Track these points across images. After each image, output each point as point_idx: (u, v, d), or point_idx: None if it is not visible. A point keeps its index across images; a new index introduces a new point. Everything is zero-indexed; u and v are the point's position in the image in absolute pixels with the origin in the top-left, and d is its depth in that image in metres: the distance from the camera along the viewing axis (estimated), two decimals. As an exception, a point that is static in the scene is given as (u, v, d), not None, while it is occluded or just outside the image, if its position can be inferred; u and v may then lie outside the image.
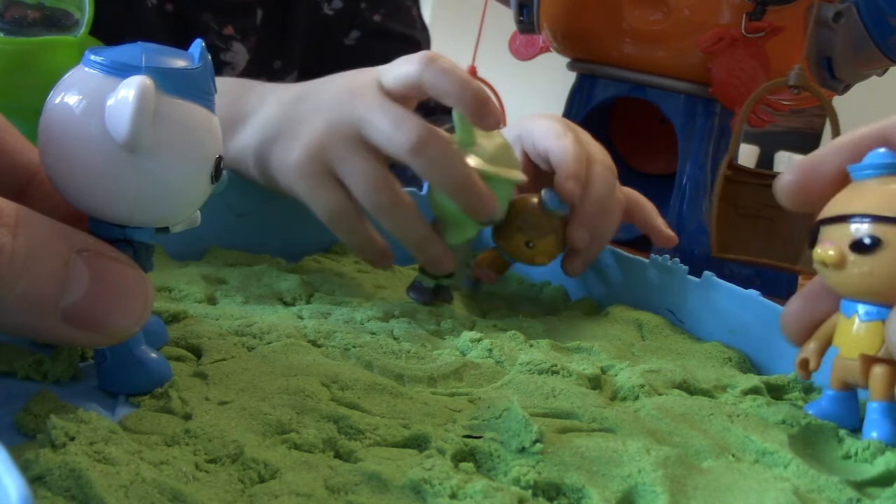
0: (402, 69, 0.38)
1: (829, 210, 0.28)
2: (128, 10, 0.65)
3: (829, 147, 0.29)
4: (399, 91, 0.38)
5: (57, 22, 0.37)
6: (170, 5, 0.68)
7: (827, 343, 0.30)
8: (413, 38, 0.81)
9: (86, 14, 0.35)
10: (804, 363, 0.30)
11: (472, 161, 0.38)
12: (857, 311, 0.28)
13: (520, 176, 0.40)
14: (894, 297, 0.27)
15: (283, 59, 0.77)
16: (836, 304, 0.29)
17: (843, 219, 0.27)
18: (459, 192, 0.37)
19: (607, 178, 0.44)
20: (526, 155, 0.48)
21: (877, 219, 0.26)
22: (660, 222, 0.48)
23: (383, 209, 0.38)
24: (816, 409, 0.30)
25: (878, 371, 0.27)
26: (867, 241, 0.26)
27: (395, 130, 0.36)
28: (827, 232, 0.28)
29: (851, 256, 0.26)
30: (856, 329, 0.28)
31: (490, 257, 0.44)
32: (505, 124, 0.39)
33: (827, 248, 0.27)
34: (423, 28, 0.84)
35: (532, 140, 0.47)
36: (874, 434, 0.27)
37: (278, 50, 0.76)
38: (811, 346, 0.30)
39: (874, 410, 0.27)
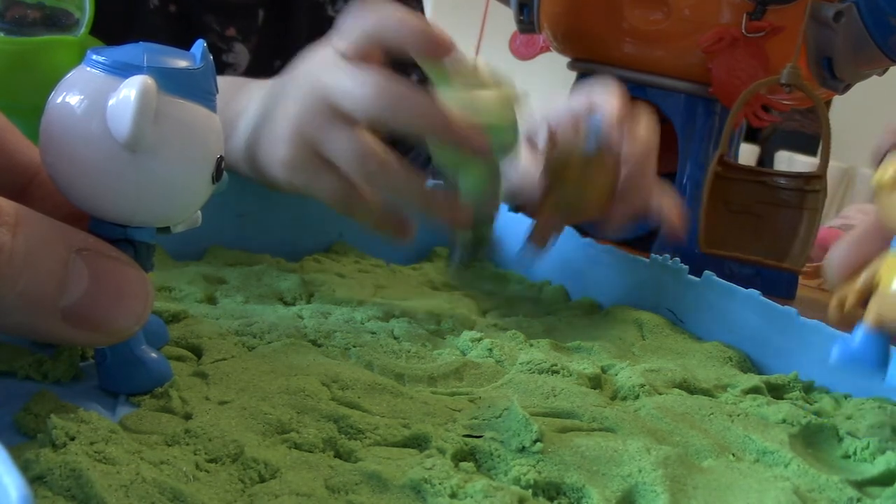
0: (349, 24, 0.37)
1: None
2: (130, 11, 0.65)
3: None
4: (355, 50, 0.37)
5: (57, 21, 0.37)
6: (173, 6, 0.68)
7: (870, 285, 0.28)
8: None
9: (86, 13, 0.35)
10: (842, 301, 0.29)
11: (446, 95, 0.36)
12: None
13: (510, 90, 0.37)
14: None
15: (284, 60, 0.77)
16: (882, 246, 0.28)
17: None
18: (438, 131, 0.35)
19: (653, 129, 0.44)
20: (553, 135, 0.48)
21: None
22: (674, 212, 0.48)
23: (374, 176, 0.36)
24: (844, 347, 0.28)
25: None
26: None
27: (356, 86, 0.35)
28: (892, 156, 0.27)
29: None
30: None
31: (550, 206, 0.43)
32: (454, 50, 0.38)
33: (889, 167, 0.26)
34: None
35: (567, 106, 0.46)
36: None
37: (280, 51, 0.76)
38: (854, 285, 0.28)
39: None
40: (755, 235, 0.60)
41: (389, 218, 0.39)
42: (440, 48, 0.35)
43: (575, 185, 0.41)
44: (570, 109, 0.47)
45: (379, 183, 0.37)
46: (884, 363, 0.27)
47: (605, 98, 0.43)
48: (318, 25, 0.76)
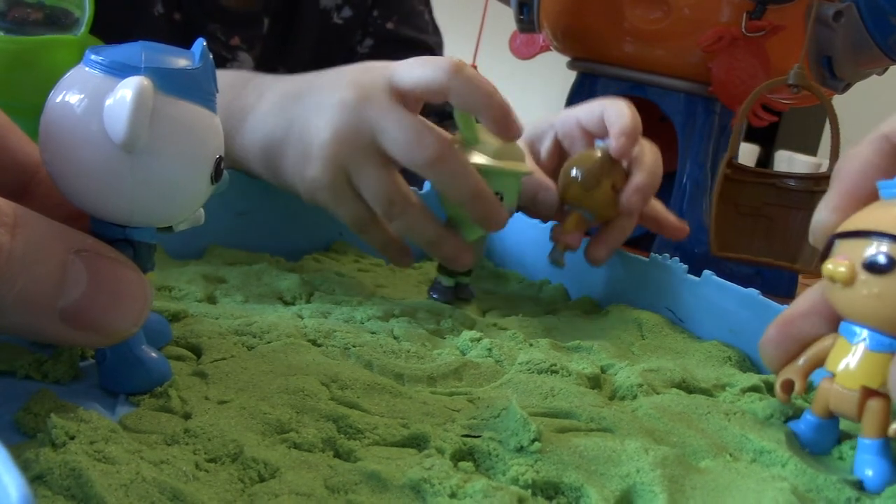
0: (421, 73, 0.37)
1: (849, 224, 0.26)
2: (135, 18, 0.65)
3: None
4: (414, 95, 0.38)
5: (57, 21, 0.37)
6: (177, 15, 0.68)
7: (816, 365, 0.28)
8: (426, 43, 0.81)
9: (86, 13, 0.35)
10: (787, 385, 0.28)
11: (478, 158, 0.38)
12: (864, 339, 0.26)
13: (526, 168, 0.40)
14: None
15: (288, 68, 0.77)
16: (819, 327, 0.28)
17: (861, 235, 0.25)
18: (472, 204, 0.37)
19: (657, 157, 0.44)
20: (558, 144, 0.49)
21: None
22: (670, 215, 0.48)
23: (395, 216, 0.38)
24: (800, 431, 0.28)
25: (874, 406, 0.25)
26: (882, 260, 0.24)
27: (414, 145, 0.36)
28: (842, 246, 0.26)
29: (863, 275, 0.25)
30: (859, 357, 0.26)
31: (573, 220, 0.43)
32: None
33: (839, 262, 0.25)
34: (436, 32, 0.84)
35: (575, 116, 0.47)
36: (869, 473, 0.25)
37: (284, 58, 0.76)
38: (798, 365, 0.28)
39: (868, 448, 0.26)
40: (765, 237, 0.60)
41: (396, 243, 0.41)
42: (514, 133, 0.37)
43: (580, 201, 0.42)
44: (580, 123, 0.47)
45: (397, 222, 0.38)
46: (831, 448, 0.28)
47: (616, 116, 0.43)
48: (325, 33, 0.76)
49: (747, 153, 2.03)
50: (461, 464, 0.23)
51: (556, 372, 0.31)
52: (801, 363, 0.28)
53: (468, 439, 0.24)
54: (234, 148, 0.43)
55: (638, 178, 0.42)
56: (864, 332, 0.26)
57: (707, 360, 0.37)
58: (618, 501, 0.22)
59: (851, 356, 0.26)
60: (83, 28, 0.35)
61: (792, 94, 0.61)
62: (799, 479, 0.25)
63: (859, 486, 0.25)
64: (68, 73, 0.22)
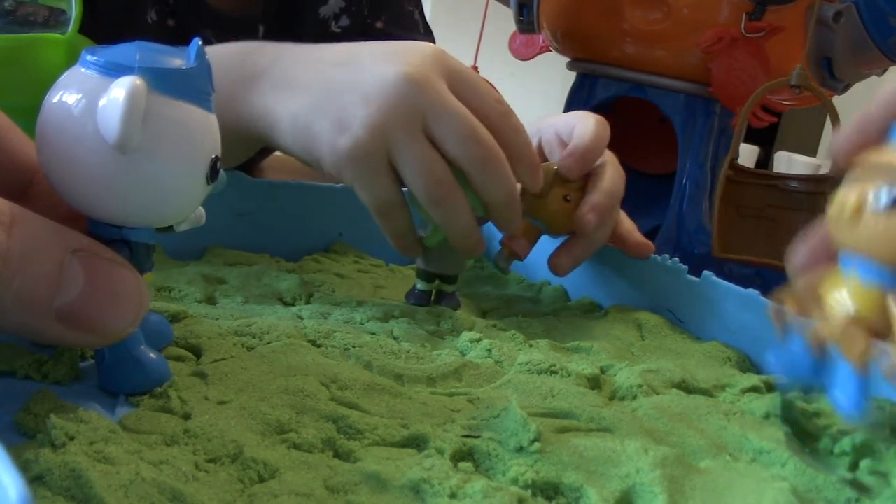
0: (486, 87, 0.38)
1: (861, 161, 0.26)
2: (129, 25, 0.65)
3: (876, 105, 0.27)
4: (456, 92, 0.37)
5: (51, 20, 0.36)
6: (171, 20, 0.68)
7: (811, 292, 0.28)
8: None
9: (73, 11, 0.35)
10: (780, 314, 0.28)
11: None
12: (856, 269, 0.25)
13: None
14: None
15: None
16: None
17: (873, 170, 0.25)
18: (503, 208, 0.37)
19: (618, 178, 0.44)
20: (541, 149, 0.48)
21: None
22: (634, 234, 0.47)
23: (439, 201, 0.36)
24: (780, 357, 0.28)
25: (858, 335, 0.25)
26: (891, 195, 0.23)
27: (470, 139, 0.35)
28: (851, 181, 0.26)
29: (870, 209, 0.24)
30: (850, 287, 0.26)
31: (522, 227, 0.42)
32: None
33: (849, 193, 0.25)
34: (427, 32, 0.84)
35: (555, 126, 0.47)
36: (844, 397, 0.25)
37: None
38: (795, 290, 0.28)
39: (849, 373, 0.25)
40: (768, 239, 0.60)
41: (412, 234, 0.39)
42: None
43: (530, 209, 0.42)
44: (557, 132, 0.47)
45: (439, 207, 0.37)
46: (822, 374, 0.26)
47: (577, 135, 0.43)
48: (323, 42, 0.76)
49: (746, 154, 2.03)
50: (461, 464, 0.23)
51: (556, 372, 0.31)
52: (798, 287, 0.28)
53: (468, 440, 0.24)
54: (245, 106, 0.41)
55: (590, 198, 0.42)
56: (861, 264, 0.25)
57: (707, 361, 0.37)
58: (617, 502, 0.22)
59: (845, 287, 0.26)
60: (71, 27, 0.34)
61: (792, 95, 0.61)
62: (798, 479, 0.25)
63: (857, 484, 0.25)
64: (64, 74, 0.22)
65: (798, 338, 0.27)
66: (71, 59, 0.32)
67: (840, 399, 0.25)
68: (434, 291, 0.41)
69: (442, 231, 0.38)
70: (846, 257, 0.26)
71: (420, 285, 0.41)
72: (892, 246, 0.24)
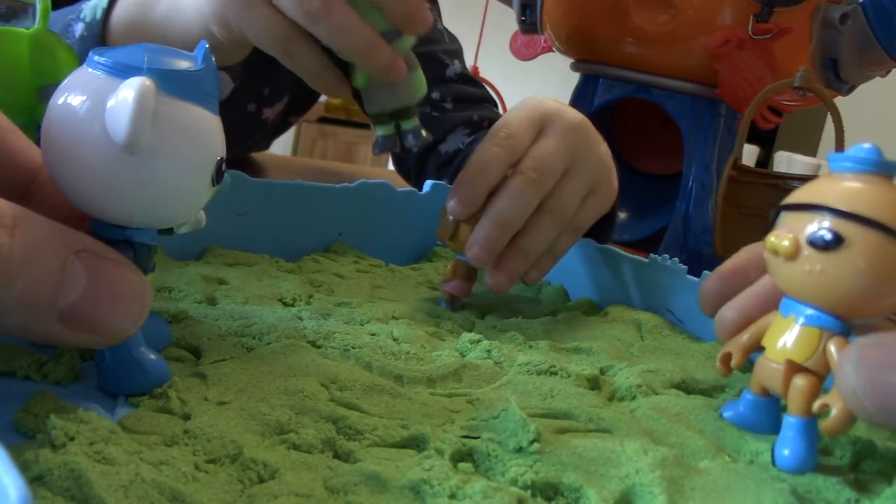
0: None
1: (796, 197, 0.25)
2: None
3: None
4: None
5: (14, 14, 0.36)
6: None
7: (755, 343, 0.27)
8: (447, 52, 0.78)
9: (37, 6, 0.34)
10: (726, 358, 0.28)
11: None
12: (800, 315, 0.25)
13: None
14: (840, 307, 0.24)
15: (271, 87, 0.77)
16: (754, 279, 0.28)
17: (808, 208, 0.24)
18: (362, 53, 0.35)
19: (522, 194, 0.38)
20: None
21: (844, 215, 0.23)
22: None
23: (315, 16, 0.34)
24: (733, 411, 0.28)
25: (799, 382, 0.25)
26: (828, 236, 0.23)
27: None
28: (787, 219, 0.25)
29: (806, 251, 0.24)
30: (790, 331, 0.25)
31: (451, 267, 0.41)
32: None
33: (783, 235, 0.24)
34: (453, 39, 0.81)
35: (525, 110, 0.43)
36: (786, 452, 0.25)
37: (266, 78, 0.75)
38: (741, 340, 0.28)
39: (790, 426, 0.25)
40: (767, 239, 0.60)
41: (331, 69, 0.37)
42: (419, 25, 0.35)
43: (450, 245, 0.40)
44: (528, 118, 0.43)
45: (319, 24, 0.34)
46: (775, 429, 0.26)
47: (471, 161, 0.39)
48: None
49: (747, 154, 2.03)
50: (460, 465, 0.23)
51: (556, 373, 0.31)
52: (745, 339, 0.28)
53: (467, 440, 0.24)
54: (158, 11, 0.42)
55: (475, 233, 0.38)
56: (801, 309, 0.25)
57: (706, 362, 0.37)
58: (617, 502, 0.22)
59: (783, 331, 0.25)
60: (38, 22, 0.34)
61: (797, 97, 0.61)
62: (798, 480, 0.25)
63: (857, 484, 0.25)
64: (71, 74, 0.22)
65: (749, 395, 0.28)
66: (36, 55, 0.32)
67: (778, 454, 0.25)
68: (395, 134, 0.39)
69: (339, 54, 0.35)
70: (786, 300, 0.26)
71: (379, 130, 0.38)
72: (832, 287, 0.23)
